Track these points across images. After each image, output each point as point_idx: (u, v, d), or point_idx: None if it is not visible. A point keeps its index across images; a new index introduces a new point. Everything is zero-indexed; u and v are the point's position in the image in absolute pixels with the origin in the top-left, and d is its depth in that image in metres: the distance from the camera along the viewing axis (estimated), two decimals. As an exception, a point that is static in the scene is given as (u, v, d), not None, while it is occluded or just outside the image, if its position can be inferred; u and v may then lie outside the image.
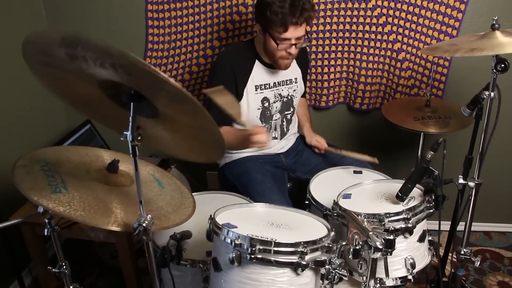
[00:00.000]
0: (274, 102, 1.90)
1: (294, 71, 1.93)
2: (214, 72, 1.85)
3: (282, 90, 1.91)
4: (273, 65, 1.83)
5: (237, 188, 1.87)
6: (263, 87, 1.86)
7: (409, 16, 2.06)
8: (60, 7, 2.25)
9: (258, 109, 1.87)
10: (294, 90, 1.95)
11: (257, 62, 1.84)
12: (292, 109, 1.97)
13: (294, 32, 1.65)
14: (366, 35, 2.13)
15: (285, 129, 1.98)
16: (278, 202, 1.71)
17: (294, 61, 1.90)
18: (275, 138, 1.97)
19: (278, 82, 1.89)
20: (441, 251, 2.00)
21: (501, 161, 2.30)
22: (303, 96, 2.13)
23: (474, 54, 1.32)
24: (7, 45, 2.00)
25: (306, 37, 1.71)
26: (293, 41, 1.68)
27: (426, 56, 2.11)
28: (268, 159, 1.97)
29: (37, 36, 0.90)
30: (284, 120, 1.96)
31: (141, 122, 0.98)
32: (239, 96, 1.82)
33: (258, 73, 1.84)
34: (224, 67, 1.80)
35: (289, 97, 1.94)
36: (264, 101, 1.88)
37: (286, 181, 1.96)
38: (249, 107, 1.84)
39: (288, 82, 1.92)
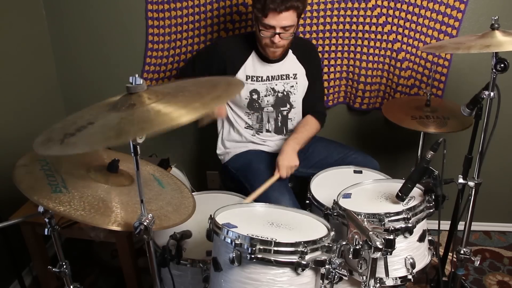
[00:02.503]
0: (266, 96, 1.89)
1: (293, 66, 1.90)
2: (201, 50, 1.83)
3: (276, 85, 1.88)
4: (269, 58, 1.83)
5: (239, 180, 1.88)
6: (254, 78, 1.85)
7: (409, 16, 2.06)
8: (60, 7, 2.25)
9: (246, 98, 1.87)
10: (292, 86, 1.91)
11: (253, 53, 1.84)
12: (289, 106, 1.94)
13: (276, 20, 1.64)
14: (366, 35, 2.13)
15: (279, 124, 1.95)
16: (278, 189, 1.71)
17: (294, 56, 1.90)
18: (268, 131, 1.96)
19: (272, 76, 1.87)
20: (441, 251, 2.00)
21: (501, 161, 2.30)
22: (317, 117, 1.97)
23: (490, 50, 1.32)
24: (7, 45, 2.01)
25: (294, 29, 1.69)
26: (277, 30, 1.67)
27: (426, 56, 2.11)
28: (272, 154, 1.97)
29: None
30: (280, 116, 1.95)
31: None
32: None
33: (252, 64, 1.84)
34: (213, 50, 1.83)
35: (285, 93, 1.90)
36: (253, 93, 1.87)
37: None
38: (236, 96, 1.84)
39: (284, 77, 1.89)
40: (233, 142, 1.98)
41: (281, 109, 1.94)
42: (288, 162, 1.76)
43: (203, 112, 0.88)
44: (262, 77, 1.86)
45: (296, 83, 1.92)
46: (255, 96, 1.88)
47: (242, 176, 1.87)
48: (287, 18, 1.64)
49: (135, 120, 0.88)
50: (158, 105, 0.92)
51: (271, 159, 1.94)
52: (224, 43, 1.92)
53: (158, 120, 0.87)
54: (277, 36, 1.68)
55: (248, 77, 1.84)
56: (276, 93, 1.90)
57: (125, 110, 0.92)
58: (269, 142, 1.99)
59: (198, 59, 1.97)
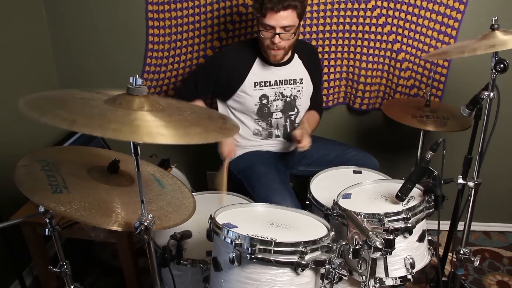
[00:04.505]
0: (275, 100, 1.89)
1: (299, 71, 1.91)
2: (207, 60, 1.82)
3: (284, 89, 1.89)
4: (274, 63, 1.83)
5: (241, 182, 1.88)
6: (262, 84, 1.85)
7: (408, 17, 2.06)
8: (60, 7, 2.25)
9: (256, 105, 1.87)
10: (298, 91, 1.92)
11: (258, 59, 1.84)
12: (296, 110, 1.95)
13: (275, 20, 1.64)
14: (366, 35, 2.13)
15: (288, 129, 1.97)
16: (279, 191, 1.72)
17: (300, 61, 1.90)
18: (277, 136, 1.97)
19: (280, 80, 1.87)
20: (441, 251, 2.00)
21: (501, 161, 2.30)
22: (316, 109, 2.05)
23: (496, 49, 1.33)
24: (7, 45, 2.01)
25: (295, 30, 1.69)
26: (277, 30, 1.66)
27: (425, 56, 2.12)
28: (272, 154, 1.98)
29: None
30: (288, 120, 1.95)
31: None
32: (229, 91, 1.84)
33: (258, 70, 1.84)
34: (216, 60, 1.81)
35: (292, 97, 1.91)
36: (263, 98, 1.87)
37: (288, 176, 1.96)
38: (246, 103, 1.85)
39: (292, 82, 1.90)
40: (236, 145, 1.97)
41: (289, 113, 1.94)
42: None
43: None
44: (270, 81, 1.86)
45: (302, 88, 1.93)
46: (264, 101, 1.88)
47: (244, 179, 1.87)
48: (286, 17, 1.64)
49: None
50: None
51: (274, 159, 1.94)
52: (228, 53, 1.88)
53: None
54: (277, 36, 1.67)
55: (256, 84, 1.84)
56: (285, 98, 1.90)
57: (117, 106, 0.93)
58: (275, 143, 1.99)
59: (202, 70, 1.95)
